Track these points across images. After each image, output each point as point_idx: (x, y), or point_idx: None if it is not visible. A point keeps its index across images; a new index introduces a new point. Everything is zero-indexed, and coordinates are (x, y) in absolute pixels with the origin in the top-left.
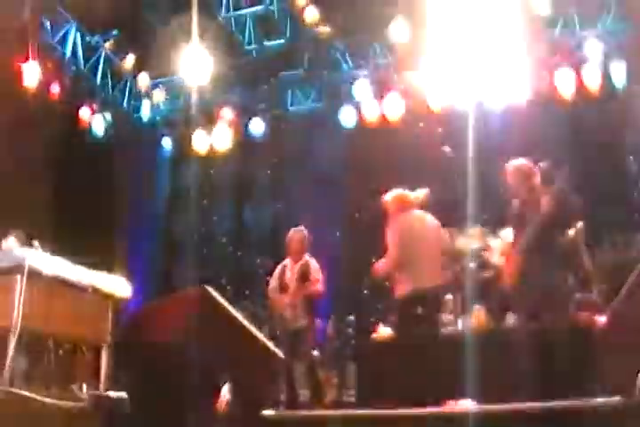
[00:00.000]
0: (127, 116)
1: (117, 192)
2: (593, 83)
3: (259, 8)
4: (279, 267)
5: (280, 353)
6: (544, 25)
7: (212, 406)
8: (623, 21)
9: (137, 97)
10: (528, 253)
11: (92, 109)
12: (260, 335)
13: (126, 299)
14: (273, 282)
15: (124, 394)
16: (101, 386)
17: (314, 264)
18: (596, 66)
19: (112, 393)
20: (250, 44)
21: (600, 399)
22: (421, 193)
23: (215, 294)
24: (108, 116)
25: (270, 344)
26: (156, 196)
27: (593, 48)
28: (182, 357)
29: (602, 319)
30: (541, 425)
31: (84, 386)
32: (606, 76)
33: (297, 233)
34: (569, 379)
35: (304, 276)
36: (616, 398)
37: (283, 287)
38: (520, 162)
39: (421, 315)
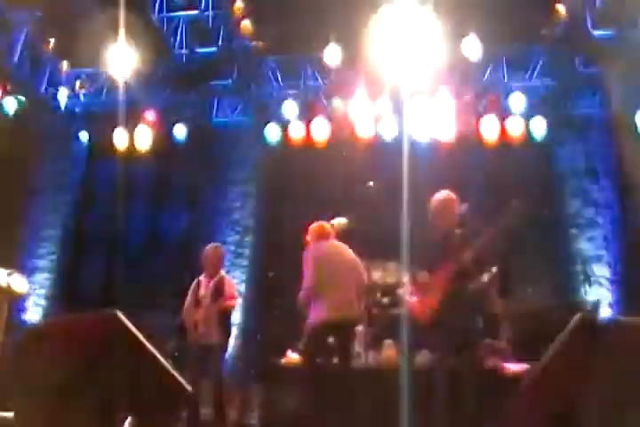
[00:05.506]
0: (44, 103)
1: (23, 182)
2: (515, 132)
3: (193, 13)
4: (194, 282)
5: (186, 385)
6: (473, 69)
7: None
8: (547, 77)
9: (56, 84)
10: (445, 295)
11: (4, 89)
12: (168, 365)
13: (23, 295)
14: (188, 298)
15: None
16: None
17: (229, 280)
18: (519, 117)
19: None
20: (181, 48)
21: None
22: (340, 222)
23: (125, 319)
24: (22, 98)
25: (177, 374)
26: (66, 191)
27: (518, 100)
28: (82, 383)
29: (508, 367)
30: None
31: None
32: (527, 128)
33: (213, 249)
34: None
35: (218, 291)
36: None
37: (196, 303)
38: (450, 193)
39: (331, 344)
